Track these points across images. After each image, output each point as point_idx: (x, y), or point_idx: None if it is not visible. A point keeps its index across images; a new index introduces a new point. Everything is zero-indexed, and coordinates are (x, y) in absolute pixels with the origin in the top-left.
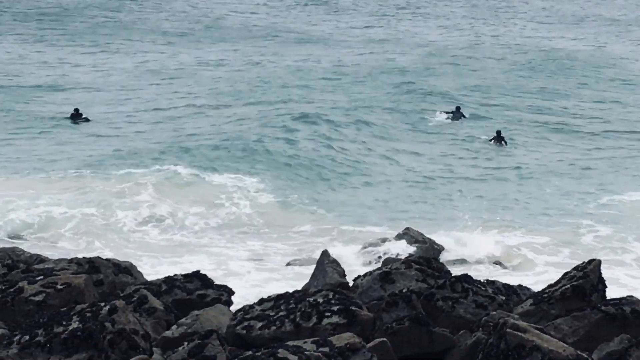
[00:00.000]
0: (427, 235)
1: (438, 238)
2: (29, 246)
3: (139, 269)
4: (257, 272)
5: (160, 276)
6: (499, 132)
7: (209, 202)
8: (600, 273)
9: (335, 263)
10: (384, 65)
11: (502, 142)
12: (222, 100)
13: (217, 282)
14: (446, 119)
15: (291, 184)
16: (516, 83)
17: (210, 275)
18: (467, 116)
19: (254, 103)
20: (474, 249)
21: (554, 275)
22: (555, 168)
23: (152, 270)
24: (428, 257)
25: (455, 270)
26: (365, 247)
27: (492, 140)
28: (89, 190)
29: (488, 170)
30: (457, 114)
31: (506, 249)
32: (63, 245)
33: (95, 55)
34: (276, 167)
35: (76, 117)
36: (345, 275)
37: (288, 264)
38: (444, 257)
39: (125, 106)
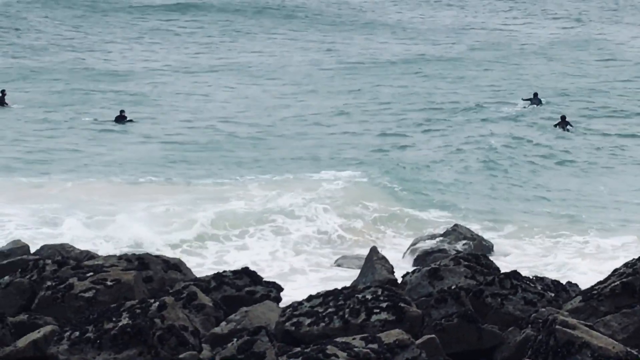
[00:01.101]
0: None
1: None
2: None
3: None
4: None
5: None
6: (563, 117)
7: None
8: None
9: (383, 260)
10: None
11: (567, 127)
12: None
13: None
14: (523, 107)
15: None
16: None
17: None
18: (544, 102)
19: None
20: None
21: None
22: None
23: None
24: (477, 253)
25: (504, 267)
26: (414, 244)
27: (557, 126)
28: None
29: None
30: (535, 100)
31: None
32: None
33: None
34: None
35: (120, 119)
36: (393, 272)
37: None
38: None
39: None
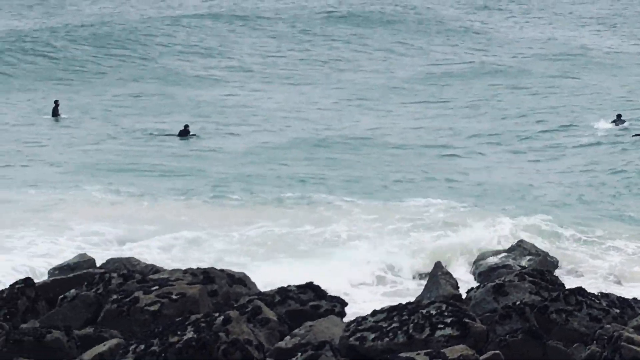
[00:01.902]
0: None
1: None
2: None
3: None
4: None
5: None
6: (619, 116)
7: None
8: None
9: (448, 275)
10: None
11: (622, 123)
12: None
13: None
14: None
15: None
16: None
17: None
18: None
19: None
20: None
21: None
22: None
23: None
24: (542, 269)
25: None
26: (478, 260)
27: (614, 123)
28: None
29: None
30: (619, 121)
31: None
32: None
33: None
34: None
35: (184, 133)
36: (458, 287)
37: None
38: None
39: None
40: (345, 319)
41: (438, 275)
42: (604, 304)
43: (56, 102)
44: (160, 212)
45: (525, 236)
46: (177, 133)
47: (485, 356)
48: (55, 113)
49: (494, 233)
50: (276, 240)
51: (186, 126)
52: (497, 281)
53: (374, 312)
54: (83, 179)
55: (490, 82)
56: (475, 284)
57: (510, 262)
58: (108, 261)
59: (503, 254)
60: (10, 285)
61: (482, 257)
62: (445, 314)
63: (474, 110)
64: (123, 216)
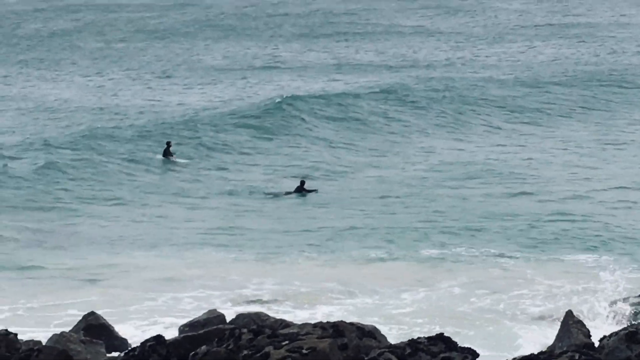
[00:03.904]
0: None
1: None
2: None
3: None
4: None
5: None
6: None
7: None
8: None
9: (579, 324)
10: None
11: None
12: None
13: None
14: None
15: None
16: None
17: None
18: None
19: None
20: None
21: None
22: None
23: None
24: None
25: None
26: (611, 305)
27: None
28: None
29: None
30: None
31: None
32: None
33: None
34: None
35: (301, 189)
36: (590, 336)
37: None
38: None
39: None
40: None
41: (569, 324)
42: None
43: (168, 143)
44: (297, 272)
45: None
46: (293, 190)
47: None
48: (166, 154)
49: None
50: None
51: (302, 182)
52: (630, 328)
53: None
54: (206, 238)
55: None
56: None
57: None
58: (238, 316)
59: (636, 300)
60: (141, 343)
61: (615, 302)
62: None
63: None
64: (256, 274)
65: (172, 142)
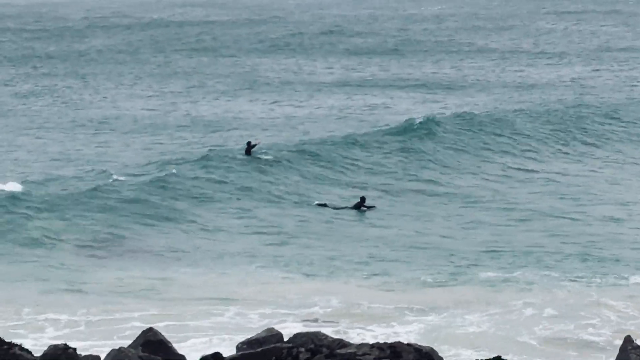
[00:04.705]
0: None
1: None
2: None
3: None
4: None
5: None
6: None
7: None
8: None
9: (638, 349)
10: None
11: None
12: None
13: None
14: None
15: None
16: None
17: None
18: None
19: None
20: None
21: None
22: None
23: None
24: None
25: None
26: None
27: None
28: None
29: None
30: None
31: None
32: None
33: None
34: None
35: (360, 205)
36: None
37: None
38: None
39: None
40: None
41: (628, 350)
42: None
43: (249, 143)
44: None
45: None
46: (351, 205)
47: None
48: (248, 152)
49: None
50: None
51: (362, 198)
52: None
53: None
54: (266, 252)
55: None
56: None
57: None
58: (295, 335)
59: None
60: None
61: None
62: None
63: None
64: (315, 292)
65: None
